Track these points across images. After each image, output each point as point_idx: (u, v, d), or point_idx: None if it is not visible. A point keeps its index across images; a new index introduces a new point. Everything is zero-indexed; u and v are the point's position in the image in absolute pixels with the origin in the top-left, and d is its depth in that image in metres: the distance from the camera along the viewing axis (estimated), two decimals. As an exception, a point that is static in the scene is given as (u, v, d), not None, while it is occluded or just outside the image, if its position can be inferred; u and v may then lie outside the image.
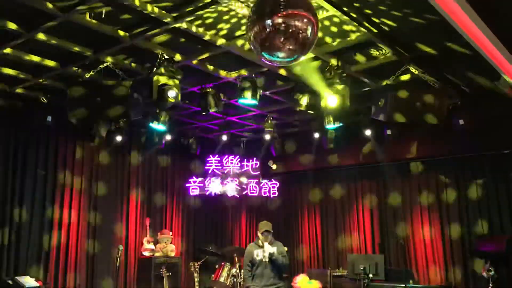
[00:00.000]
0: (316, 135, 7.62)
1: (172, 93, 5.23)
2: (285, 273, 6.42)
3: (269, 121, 7.73)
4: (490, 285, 6.38)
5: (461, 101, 6.24)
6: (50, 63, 5.47)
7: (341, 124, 6.91)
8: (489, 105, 6.68)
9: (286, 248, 6.48)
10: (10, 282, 5.98)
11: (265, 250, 6.02)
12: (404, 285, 5.80)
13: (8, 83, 6.04)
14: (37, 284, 6.15)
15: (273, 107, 7.37)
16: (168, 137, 7.75)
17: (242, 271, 6.63)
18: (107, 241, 7.45)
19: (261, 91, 6.03)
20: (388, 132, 7.04)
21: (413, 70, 5.39)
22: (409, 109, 5.26)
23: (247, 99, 5.75)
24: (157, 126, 6.83)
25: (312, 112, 6.47)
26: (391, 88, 5.37)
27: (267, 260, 6.01)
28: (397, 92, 5.30)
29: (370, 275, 6.48)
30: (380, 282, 6.75)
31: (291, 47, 2.87)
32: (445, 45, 4.95)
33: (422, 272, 7.50)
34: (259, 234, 6.15)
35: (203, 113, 6.33)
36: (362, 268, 6.45)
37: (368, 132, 7.35)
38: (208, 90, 6.12)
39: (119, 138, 7.27)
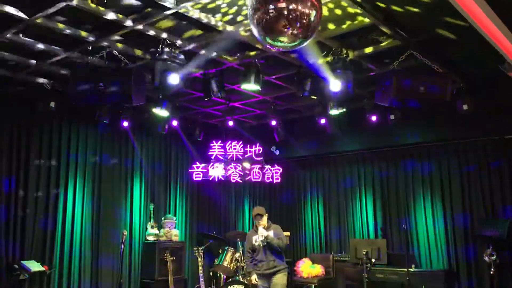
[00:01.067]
0: (320, 120, 7.60)
1: (174, 79, 5.23)
2: (286, 256, 6.48)
3: (273, 107, 7.72)
4: (492, 269, 6.43)
5: (464, 86, 6.22)
6: (53, 48, 5.45)
7: (344, 110, 6.90)
8: (493, 90, 6.66)
9: (288, 233, 6.55)
10: (16, 266, 6.06)
11: (259, 233, 6.11)
12: (406, 270, 5.84)
13: (11, 68, 6.04)
14: (42, 269, 6.23)
15: (276, 92, 7.35)
16: (171, 123, 7.75)
17: (245, 257, 6.70)
18: (111, 226, 7.51)
19: (264, 76, 6.02)
20: (392, 117, 7.03)
21: (417, 55, 5.36)
22: (413, 94, 5.24)
23: (250, 85, 5.73)
24: (160, 111, 6.83)
25: (316, 97, 6.47)
26: (394, 73, 5.34)
27: (260, 244, 6.09)
28: (400, 77, 5.27)
29: (373, 260, 6.52)
30: (383, 267, 6.81)
31: (294, 31, 2.85)
32: (449, 29, 4.92)
33: (425, 257, 7.54)
34: (255, 221, 6.24)
35: (206, 99, 6.33)
36: (364, 252, 6.50)
37: (371, 117, 7.34)
38: (211, 75, 6.11)
39: (122, 123, 7.29)
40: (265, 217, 6.22)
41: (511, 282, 6.64)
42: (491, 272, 6.45)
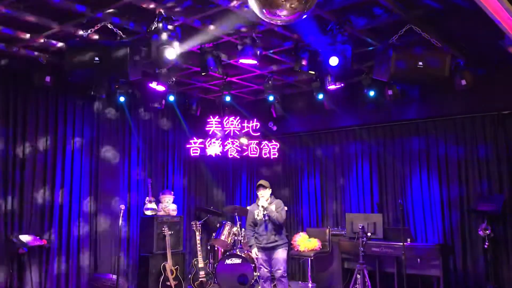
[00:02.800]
0: (317, 95, 7.58)
1: (171, 53, 5.18)
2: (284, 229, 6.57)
3: (270, 82, 7.67)
4: (486, 243, 6.52)
5: (463, 61, 6.19)
6: (47, 21, 5.36)
7: (342, 85, 6.88)
8: (492, 65, 6.63)
9: (285, 208, 6.61)
10: (14, 240, 6.10)
11: (259, 204, 6.21)
12: (401, 244, 5.91)
13: (4, 42, 5.96)
14: (41, 243, 6.28)
15: (274, 67, 7.30)
16: (168, 98, 7.71)
17: (245, 230, 6.80)
18: (109, 200, 7.55)
19: (261, 50, 5.96)
20: (390, 92, 7.01)
21: (416, 30, 5.30)
22: (411, 69, 5.21)
23: (247, 59, 5.68)
24: (157, 86, 6.79)
25: (313, 72, 6.42)
26: (393, 47, 5.29)
27: (262, 217, 6.19)
28: (399, 52, 5.23)
29: (369, 234, 6.60)
30: (378, 241, 6.89)
31: (293, 4, 2.81)
32: (449, 3, 4.86)
33: (420, 231, 7.63)
34: (257, 193, 6.36)
35: (202, 74, 6.28)
36: (360, 227, 6.56)
37: (369, 93, 7.32)
38: (208, 50, 6.05)
39: (119, 98, 7.25)
40: (268, 191, 6.34)
41: (504, 256, 6.75)
42: (485, 246, 6.54)
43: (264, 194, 6.31)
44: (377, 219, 6.80)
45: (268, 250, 6.31)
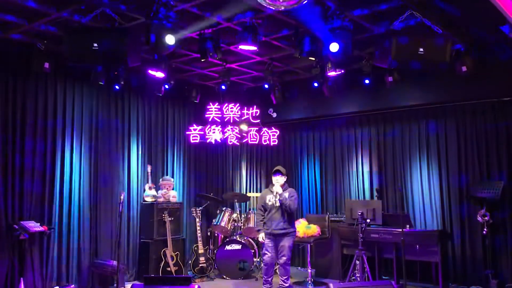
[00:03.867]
0: (317, 82, 7.55)
1: (170, 39, 5.14)
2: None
3: (269, 68, 7.64)
4: (485, 229, 6.55)
5: (464, 47, 6.15)
6: (45, 7, 5.32)
7: (342, 71, 6.84)
8: (492, 51, 6.59)
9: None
10: (16, 227, 6.13)
11: (273, 190, 6.26)
12: (400, 230, 5.94)
13: (2, 28, 5.91)
14: (42, 229, 6.30)
15: (274, 53, 7.25)
16: (167, 85, 7.68)
17: (255, 214, 6.84)
18: (109, 187, 7.56)
19: (261, 36, 5.92)
20: (390, 79, 6.98)
21: (417, 15, 5.26)
22: (412, 55, 5.18)
23: (247, 45, 5.65)
24: (156, 73, 6.75)
25: (314, 58, 6.39)
26: (394, 33, 5.26)
27: (273, 203, 6.23)
28: (400, 38, 5.19)
29: (368, 220, 6.63)
30: (377, 227, 6.92)
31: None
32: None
33: (419, 217, 7.66)
34: (272, 177, 6.41)
35: (202, 60, 6.24)
36: (360, 213, 6.59)
37: (369, 79, 7.29)
38: (207, 36, 6.00)
39: (118, 85, 7.22)
40: (283, 178, 6.37)
41: (502, 242, 6.79)
42: (484, 232, 6.58)
43: (280, 180, 6.35)
44: (376, 206, 6.82)
45: (275, 236, 6.35)
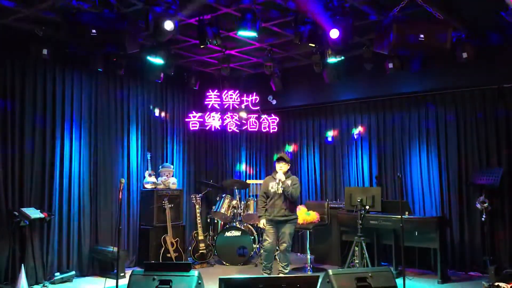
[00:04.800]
0: (317, 69, 7.51)
1: (168, 25, 5.11)
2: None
3: (269, 55, 7.60)
4: (484, 216, 6.58)
5: (465, 33, 6.12)
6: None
7: (342, 58, 6.81)
8: (493, 38, 6.55)
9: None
10: (16, 213, 6.14)
11: (276, 177, 6.29)
12: (399, 217, 5.96)
13: (0, 14, 5.86)
14: (42, 215, 6.32)
15: (274, 40, 7.21)
16: (166, 71, 7.65)
17: (258, 201, 6.88)
18: (108, 174, 7.56)
19: (261, 22, 5.87)
20: (390, 65, 6.95)
21: (418, 1, 5.21)
22: (413, 42, 5.14)
23: (247, 31, 5.61)
24: (155, 59, 6.72)
25: (314, 45, 6.36)
26: (395, 20, 5.21)
27: (276, 190, 6.27)
28: (400, 24, 5.15)
29: (367, 207, 6.65)
30: (376, 214, 6.95)
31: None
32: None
33: (418, 204, 7.69)
34: (276, 164, 6.45)
35: (201, 46, 6.21)
36: (359, 200, 6.61)
37: (369, 66, 7.26)
38: (206, 21, 5.96)
39: (117, 71, 7.19)
40: (287, 165, 6.40)
41: (501, 228, 6.83)
42: (483, 219, 6.60)
43: (283, 168, 6.38)
44: (375, 193, 6.83)
45: (276, 223, 6.39)
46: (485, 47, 6.50)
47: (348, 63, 7.33)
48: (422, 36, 5.11)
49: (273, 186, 6.40)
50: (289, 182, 6.33)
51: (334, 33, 5.40)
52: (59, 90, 6.97)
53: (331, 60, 6.80)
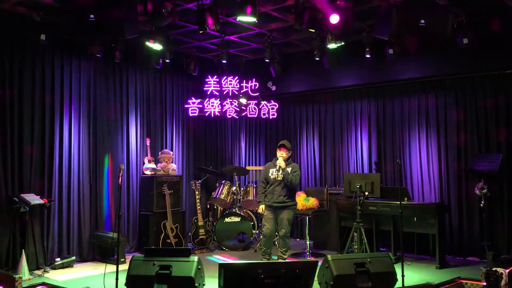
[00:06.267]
0: (317, 54, 7.46)
1: (166, 10, 5.06)
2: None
3: (269, 40, 7.54)
4: (482, 202, 6.60)
5: (466, 19, 6.07)
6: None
7: (342, 43, 6.77)
8: (494, 24, 6.50)
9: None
10: (15, 199, 6.16)
11: (276, 164, 6.33)
12: (398, 202, 5.99)
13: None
14: (42, 201, 6.34)
15: (273, 25, 7.16)
16: (165, 57, 7.60)
17: (258, 187, 6.93)
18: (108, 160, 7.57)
19: (261, 7, 5.82)
20: (390, 51, 6.91)
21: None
22: (413, 27, 5.11)
23: (246, 16, 5.56)
24: (154, 45, 6.67)
25: (314, 30, 6.31)
26: (395, 5, 5.17)
27: (276, 177, 6.30)
28: (401, 10, 5.12)
29: (366, 193, 6.67)
30: (375, 200, 6.98)
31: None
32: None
33: (417, 190, 7.72)
34: (277, 151, 6.48)
35: (200, 31, 6.16)
36: (358, 186, 6.63)
37: (369, 52, 7.21)
38: (205, 6, 5.90)
39: (115, 57, 7.15)
40: (287, 153, 6.42)
41: (499, 214, 6.86)
42: (481, 205, 6.63)
43: (284, 155, 6.41)
44: (375, 179, 6.85)
45: (275, 209, 6.42)
46: (486, 33, 6.45)
47: (349, 49, 7.28)
48: (422, 21, 5.08)
49: (273, 173, 6.43)
50: (289, 169, 6.36)
51: (334, 18, 5.36)
52: (58, 76, 6.94)
53: (331, 45, 6.75)
